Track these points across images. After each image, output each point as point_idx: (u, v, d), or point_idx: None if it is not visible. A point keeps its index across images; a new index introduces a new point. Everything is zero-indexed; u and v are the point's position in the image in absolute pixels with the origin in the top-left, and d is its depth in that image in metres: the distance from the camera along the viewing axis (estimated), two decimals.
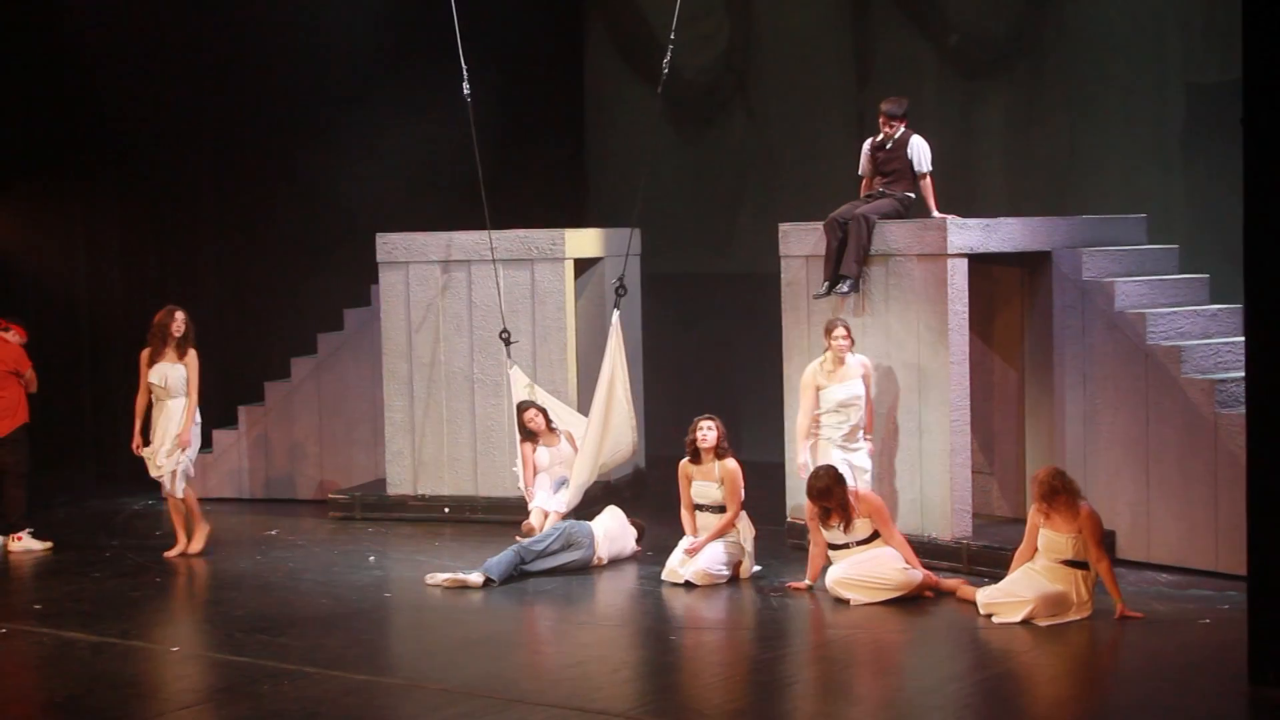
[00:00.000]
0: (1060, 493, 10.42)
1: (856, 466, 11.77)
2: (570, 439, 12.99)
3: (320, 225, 16.66)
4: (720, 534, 11.70)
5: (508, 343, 13.36)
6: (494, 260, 13.83)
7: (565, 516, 12.58)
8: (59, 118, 16.54)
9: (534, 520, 12.65)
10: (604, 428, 12.64)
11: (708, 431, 11.79)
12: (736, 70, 17.28)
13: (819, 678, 9.65)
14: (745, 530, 11.85)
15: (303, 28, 16.57)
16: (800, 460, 11.92)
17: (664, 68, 13.08)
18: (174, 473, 12.84)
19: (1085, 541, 10.37)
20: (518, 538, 12.39)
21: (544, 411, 12.99)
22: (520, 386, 13.23)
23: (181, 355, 12.84)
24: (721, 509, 11.76)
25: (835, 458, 11.63)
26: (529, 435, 12.94)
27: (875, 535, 11.19)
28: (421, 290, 14.26)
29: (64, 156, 16.68)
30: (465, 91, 13.21)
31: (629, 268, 15.16)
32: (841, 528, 11.16)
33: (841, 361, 11.79)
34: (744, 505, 11.83)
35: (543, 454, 12.93)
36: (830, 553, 11.30)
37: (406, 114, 16.84)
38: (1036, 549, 10.53)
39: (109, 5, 16.36)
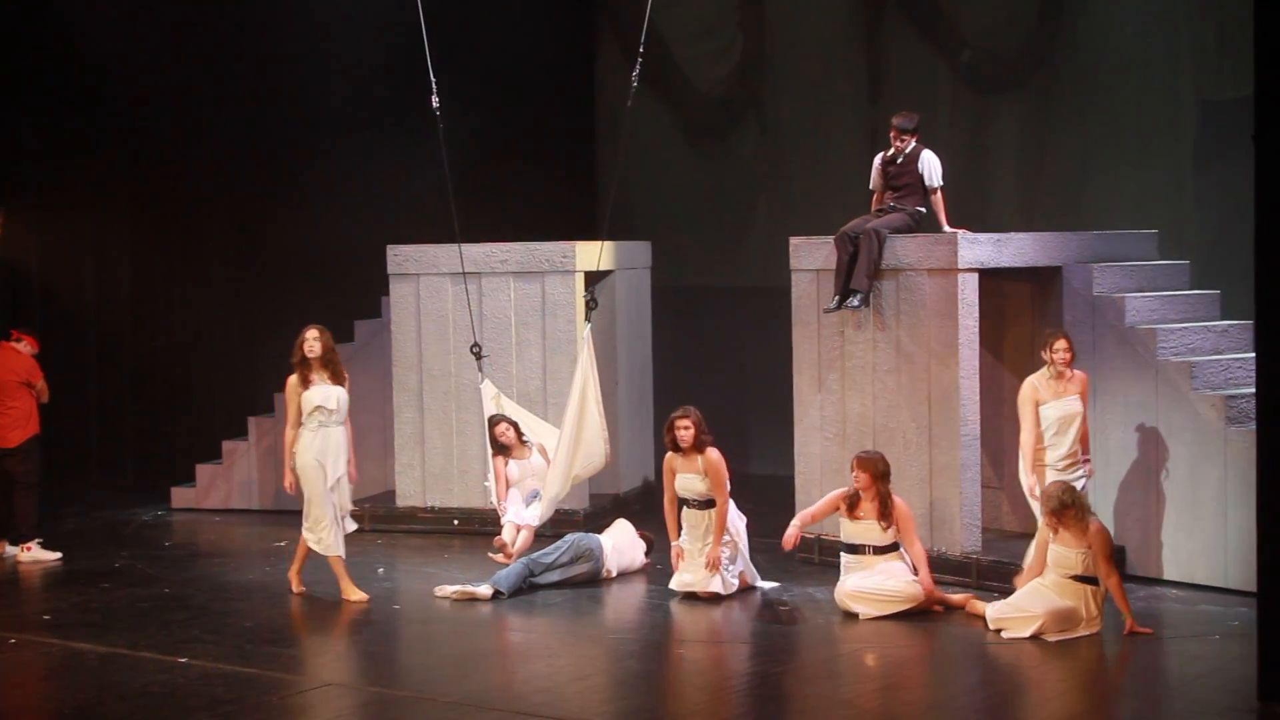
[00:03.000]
0: (1070, 507, 10.42)
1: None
2: (542, 451, 12.88)
3: (332, 236, 16.68)
4: (720, 531, 11.64)
5: (479, 357, 13.32)
6: (463, 273, 13.74)
7: (537, 531, 12.57)
8: (70, 131, 16.60)
9: (506, 535, 12.51)
10: (576, 440, 12.51)
11: (684, 431, 11.67)
12: (750, 84, 17.29)
13: (826, 693, 9.63)
14: (736, 520, 11.78)
15: (314, 40, 16.60)
16: (1026, 483, 11.34)
17: (633, 80, 13.02)
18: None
19: (1094, 557, 10.37)
20: (490, 555, 12.39)
21: (515, 425, 12.91)
22: (488, 399, 13.17)
23: (338, 376, 11.82)
24: (707, 503, 11.69)
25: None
26: (500, 449, 12.86)
27: (893, 547, 11.18)
28: (432, 302, 14.28)
29: (75, 168, 16.74)
30: (434, 105, 13.16)
31: (639, 281, 15.22)
32: (880, 524, 11.11)
33: (1062, 375, 11.32)
34: (750, 518, 11.83)
35: (513, 468, 12.81)
36: (844, 556, 11.25)
37: (418, 125, 16.85)
38: (1046, 564, 10.53)
39: (123, 20, 16.42)
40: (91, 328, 17.01)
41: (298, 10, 16.62)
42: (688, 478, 11.75)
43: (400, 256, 14.41)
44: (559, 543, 12.18)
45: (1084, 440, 11.37)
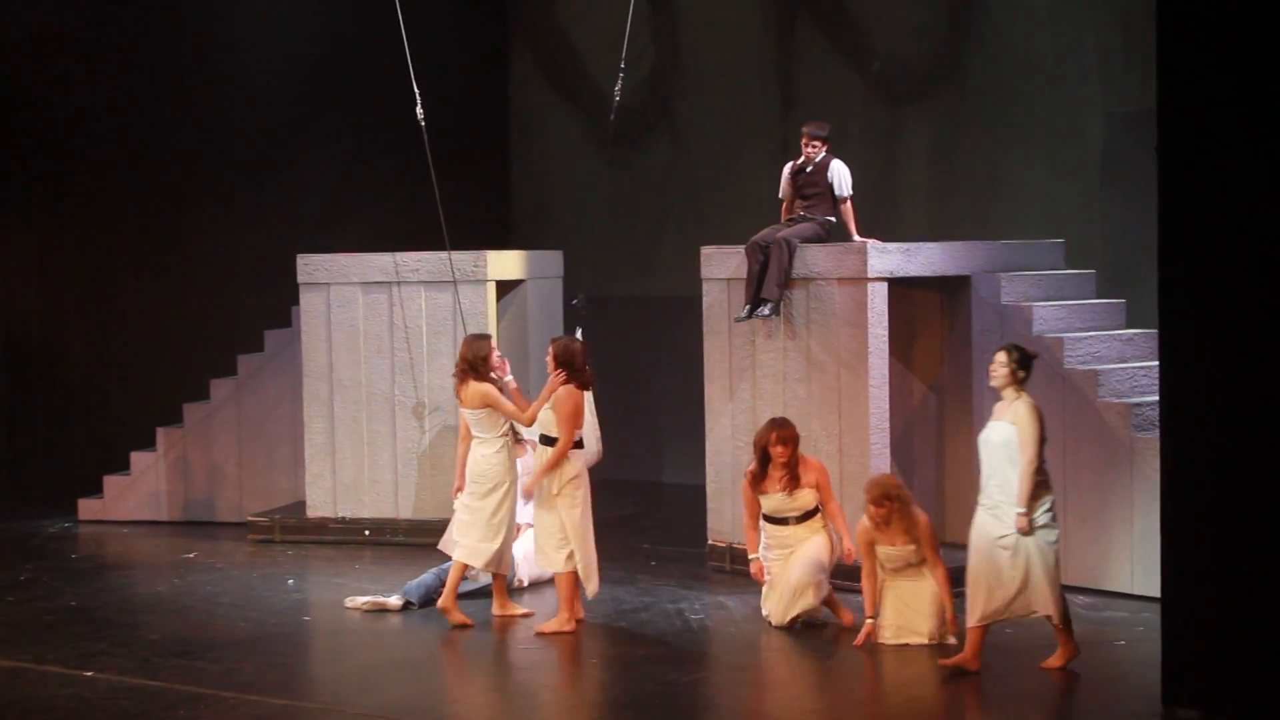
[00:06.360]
0: (892, 500, 10.32)
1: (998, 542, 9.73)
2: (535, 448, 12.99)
3: (241, 246, 16.59)
4: (547, 467, 10.98)
5: None
6: (454, 281, 13.76)
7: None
8: None
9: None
10: None
11: (547, 356, 11.22)
12: (661, 94, 17.33)
13: (738, 701, 9.66)
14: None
15: (227, 51, 16.53)
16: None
17: (615, 94, 13.09)
18: None
19: (923, 549, 10.38)
20: None
21: (511, 424, 12.97)
22: None
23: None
24: (551, 441, 11.07)
25: (983, 526, 9.79)
26: None
27: (815, 512, 11.03)
28: (342, 311, 14.21)
29: None
30: (419, 116, 13.19)
31: (551, 290, 15.21)
32: (786, 491, 10.94)
33: (1004, 395, 9.88)
34: (662, 528, 11.82)
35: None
36: (766, 527, 11.07)
37: (330, 136, 16.81)
38: (874, 566, 10.49)
39: (32, 26, 16.27)
40: None
41: (210, 21, 16.54)
42: (545, 409, 11.12)
43: (310, 266, 14.34)
44: None
45: (1026, 486, 9.64)
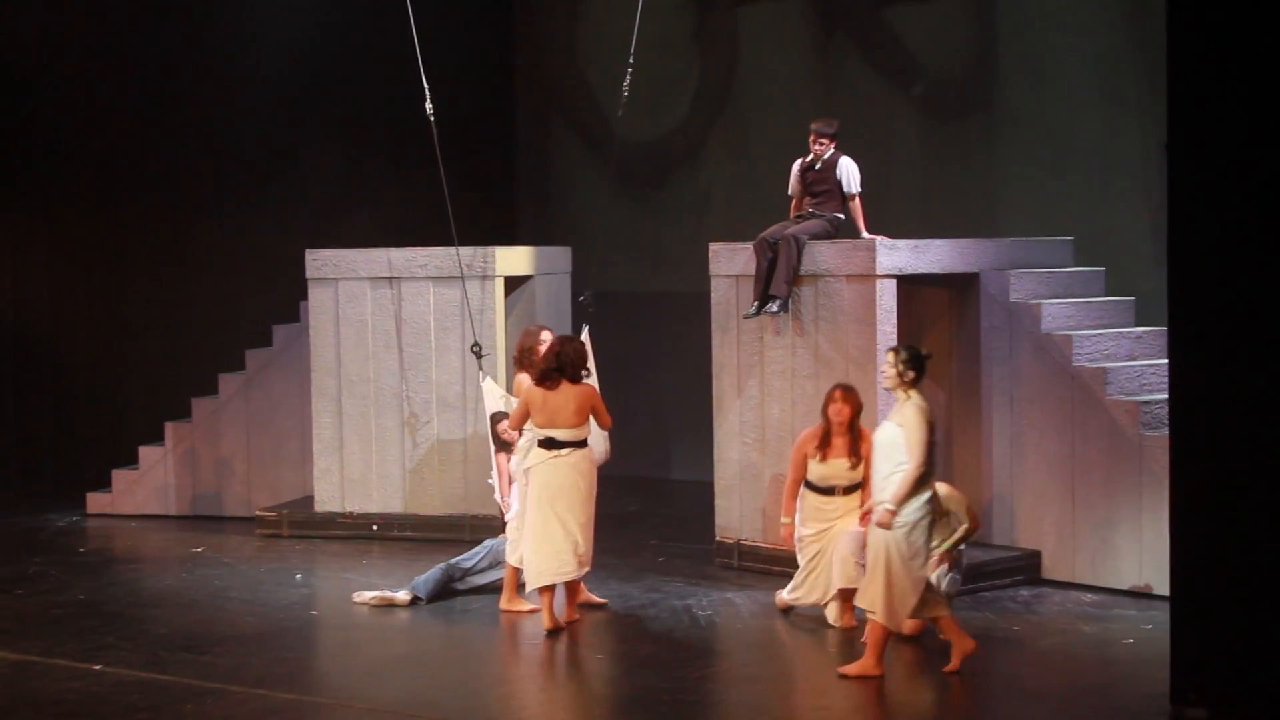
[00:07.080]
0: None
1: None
2: None
3: (249, 241, 16.60)
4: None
5: (479, 355, 13.29)
6: (462, 277, 13.75)
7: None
8: None
9: (512, 531, 12.59)
10: None
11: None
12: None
13: (746, 698, 9.65)
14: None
15: (235, 48, 16.55)
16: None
17: (624, 90, 13.08)
18: None
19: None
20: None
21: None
22: (495, 398, 13.14)
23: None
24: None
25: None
26: (503, 446, 12.81)
27: (858, 486, 10.88)
28: (351, 307, 14.22)
29: None
30: (429, 111, 13.19)
31: (560, 286, 15.20)
32: (849, 461, 10.82)
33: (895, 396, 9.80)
34: (670, 524, 11.81)
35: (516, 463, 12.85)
36: (807, 496, 10.96)
37: (338, 132, 16.80)
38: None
39: (38, 22, 16.27)
40: (8, 333, 16.80)
41: (217, 19, 16.56)
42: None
43: (318, 261, 14.34)
44: (478, 548, 12.12)
45: (905, 488, 9.49)
